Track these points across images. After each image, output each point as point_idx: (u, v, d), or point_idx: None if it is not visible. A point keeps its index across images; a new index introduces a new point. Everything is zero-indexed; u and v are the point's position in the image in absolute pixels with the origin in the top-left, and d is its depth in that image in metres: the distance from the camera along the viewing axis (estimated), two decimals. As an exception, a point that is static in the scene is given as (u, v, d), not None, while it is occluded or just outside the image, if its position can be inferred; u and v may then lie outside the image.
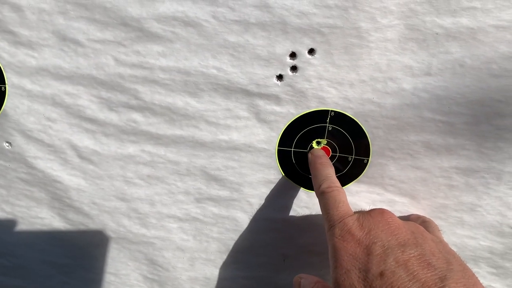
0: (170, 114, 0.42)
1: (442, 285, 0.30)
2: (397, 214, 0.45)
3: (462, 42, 0.39)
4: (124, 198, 0.46)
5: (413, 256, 0.32)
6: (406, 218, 0.45)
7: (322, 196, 0.39)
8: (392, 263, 0.32)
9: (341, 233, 0.35)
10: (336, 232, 0.36)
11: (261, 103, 0.42)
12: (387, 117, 0.41)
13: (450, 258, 0.33)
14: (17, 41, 0.41)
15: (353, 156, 0.43)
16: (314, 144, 0.43)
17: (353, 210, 0.41)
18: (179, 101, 0.42)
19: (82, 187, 0.46)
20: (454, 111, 0.41)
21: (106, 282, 0.51)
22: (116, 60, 0.40)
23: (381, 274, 0.31)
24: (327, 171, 0.41)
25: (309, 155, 0.43)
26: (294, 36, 0.39)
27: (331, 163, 0.42)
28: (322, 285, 0.39)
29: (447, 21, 0.39)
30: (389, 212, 0.36)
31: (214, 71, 0.40)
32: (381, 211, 0.36)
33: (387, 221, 0.35)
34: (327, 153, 0.43)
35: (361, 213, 0.37)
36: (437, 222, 0.45)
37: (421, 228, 0.36)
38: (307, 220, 0.47)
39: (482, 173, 0.43)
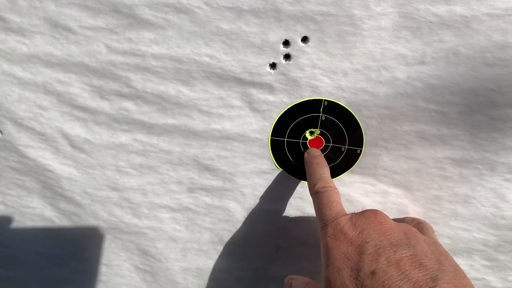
0: (163, 102, 0.42)
1: (433, 285, 0.30)
2: (391, 206, 0.45)
3: (456, 31, 0.39)
4: (116, 187, 0.46)
5: (405, 256, 0.32)
6: (400, 220, 0.45)
7: (316, 196, 0.39)
8: (384, 263, 0.32)
9: (333, 232, 0.35)
10: (329, 231, 0.36)
11: (254, 92, 0.41)
12: (381, 107, 0.41)
13: (442, 259, 0.33)
14: (8, 28, 0.41)
15: (346, 146, 0.43)
16: (307, 134, 0.43)
17: (346, 200, 0.41)
18: (172, 89, 0.41)
19: (73, 176, 0.46)
20: (448, 101, 0.41)
21: (98, 273, 0.50)
22: (108, 47, 0.40)
23: (373, 273, 0.31)
24: (322, 171, 0.41)
25: (305, 154, 0.43)
26: (287, 24, 0.39)
27: (326, 164, 0.42)
28: (313, 286, 0.39)
29: (441, 9, 0.38)
30: (382, 213, 0.36)
31: (207, 59, 0.40)
32: (374, 212, 0.36)
33: (380, 221, 0.35)
34: (320, 143, 0.43)
35: (354, 214, 0.37)
36: (431, 214, 0.45)
37: (414, 229, 0.36)
38: (300, 211, 0.46)
39: (476, 164, 0.43)
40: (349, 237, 0.34)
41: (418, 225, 0.42)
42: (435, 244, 0.36)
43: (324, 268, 0.35)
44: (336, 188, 0.39)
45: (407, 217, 0.45)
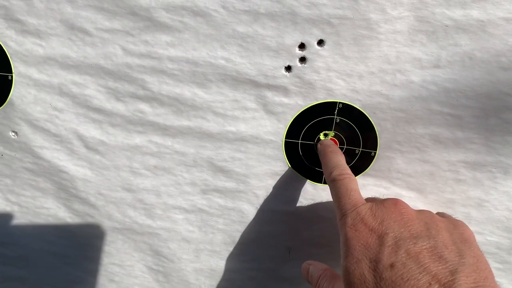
0: (178, 104, 0.42)
1: (452, 278, 0.30)
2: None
3: (471, 35, 0.39)
4: (130, 188, 0.46)
5: (425, 249, 0.32)
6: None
7: (334, 184, 0.38)
8: (403, 255, 0.32)
9: (353, 222, 0.35)
10: (348, 221, 0.35)
11: (269, 94, 0.42)
12: (395, 110, 0.41)
13: (464, 249, 0.33)
14: (25, 30, 0.41)
15: (360, 149, 0.43)
16: (321, 136, 0.43)
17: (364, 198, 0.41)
18: (187, 91, 0.42)
19: (88, 178, 0.46)
20: (462, 104, 0.41)
21: (110, 273, 0.50)
22: (124, 49, 0.40)
23: (392, 266, 0.31)
24: (337, 158, 0.40)
25: (318, 145, 0.43)
26: (303, 27, 0.39)
27: (341, 151, 0.42)
28: (330, 273, 0.39)
29: (457, 13, 0.39)
30: (403, 202, 0.36)
31: (223, 62, 0.40)
32: (394, 202, 0.36)
33: (400, 211, 0.35)
34: (335, 146, 0.43)
35: (374, 202, 0.36)
36: (443, 216, 0.45)
37: (436, 217, 0.36)
38: (313, 212, 0.46)
39: (490, 167, 0.43)
40: (369, 227, 0.34)
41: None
42: (458, 231, 0.35)
43: (343, 258, 0.35)
44: (353, 175, 0.39)
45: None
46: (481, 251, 0.34)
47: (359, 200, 0.37)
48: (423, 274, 0.30)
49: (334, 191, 0.38)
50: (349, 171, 0.39)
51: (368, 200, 0.38)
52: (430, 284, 0.30)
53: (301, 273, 0.42)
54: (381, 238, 0.33)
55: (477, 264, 0.32)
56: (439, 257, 0.31)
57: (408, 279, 0.30)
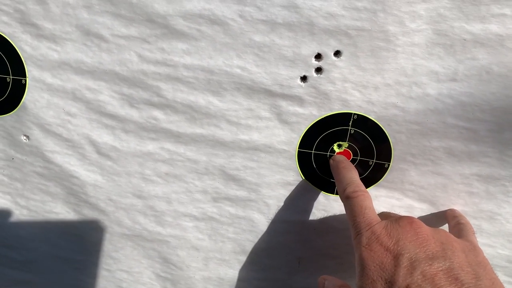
0: (192, 112, 0.42)
1: None
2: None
3: (489, 49, 0.39)
4: (141, 195, 0.46)
5: (441, 270, 0.32)
6: (441, 215, 0.44)
7: (348, 201, 0.38)
8: (419, 277, 0.31)
9: (368, 242, 0.35)
10: (363, 241, 0.35)
11: (283, 104, 0.41)
12: (410, 122, 0.41)
13: (480, 271, 0.32)
14: (40, 34, 0.41)
15: (374, 160, 0.43)
16: (335, 146, 0.43)
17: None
18: (201, 99, 0.41)
19: (99, 183, 0.46)
20: (478, 118, 0.41)
21: (118, 280, 0.50)
22: (140, 56, 0.40)
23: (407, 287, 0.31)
24: (350, 174, 0.40)
25: (331, 161, 0.43)
26: (320, 38, 0.39)
27: (354, 167, 0.42)
28: None
29: (476, 27, 0.38)
30: (418, 221, 0.36)
31: (238, 71, 0.40)
32: (410, 221, 0.35)
33: (416, 231, 0.34)
34: (348, 156, 0.43)
35: (389, 221, 0.36)
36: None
37: (451, 237, 0.36)
38: (324, 223, 0.46)
39: (503, 181, 0.43)
40: (385, 247, 0.34)
41: (458, 225, 0.41)
42: (474, 252, 0.35)
43: (358, 278, 0.34)
44: (367, 192, 0.39)
45: (448, 210, 0.44)
46: (495, 274, 0.34)
47: (373, 219, 0.36)
48: None
49: (349, 209, 0.38)
50: (363, 187, 0.39)
51: (382, 216, 0.38)
52: None
53: (317, 287, 0.42)
54: (396, 258, 0.33)
55: (493, 286, 0.32)
56: (455, 279, 0.31)
57: None
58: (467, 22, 0.38)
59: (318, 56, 0.40)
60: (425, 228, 0.35)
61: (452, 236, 0.36)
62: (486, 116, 0.41)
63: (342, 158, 0.42)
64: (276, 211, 0.46)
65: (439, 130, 0.41)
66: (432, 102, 0.41)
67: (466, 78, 0.40)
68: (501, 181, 0.43)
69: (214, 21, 0.38)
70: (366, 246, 0.35)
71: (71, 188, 0.46)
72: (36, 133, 0.44)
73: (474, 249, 0.35)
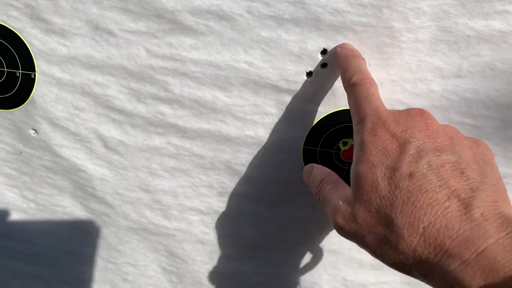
0: (198, 107, 0.42)
1: (472, 195, 0.29)
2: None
3: (493, 45, 0.39)
4: (147, 189, 0.46)
5: (448, 163, 0.30)
6: None
7: (353, 88, 0.36)
8: (424, 166, 0.30)
9: (373, 127, 0.32)
10: (367, 125, 0.33)
11: (290, 99, 0.42)
12: (415, 118, 0.41)
13: (486, 169, 0.31)
14: (50, 29, 0.41)
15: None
16: (340, 144, 0.43)
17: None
18: (208, 94, 0.42)
19: (106, 177, 0.46)
20: (482, 115, 0.41)
21: (124, 273, 0.51)
22: (148, 51, 0.41)
23: (411, 175, 0.30)
24: (359, 62, 0.38)
25: (338, 48, 0.39)
26: (327, 33, 0.39)
27: (363, 57, 0.39)
28: (335, 177, 0.37)
29: (479, 24, 0.39)
30: (429, 113, 0.33)
31: (245, 66, 0.41)
32: (421, 112, 0.33)
33: (426, 122, 0.32)
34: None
35: (397, 110, 0.34)
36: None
37: (461, 134, 0.34)
38: (329, 219, 0.47)
39: (508, 179, 0.43)
40: (391, 133, 0.32)
41: None
42: (482, 151, 0.33)
43: (355, 163, 0.33)
44: (374, 81, 0.36)
45: None
46: (500, 175, 0.32)
47: (380, 106, 0.34)
48: (443, 187, 0.29)
49: (353, 96, 0.35)
50: (371, 77, 0.36)
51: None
52: (449, 198, 0.29)
53: (303, 175, 0.41)
54: (402, 145, 0.31)
55: (497, 185, 0.31)
56: (461, 173, 0.30)
57: (426, 191, 0.29)
58: (471, 19, 0.39)
59: (324, 52, 0.40)
60: (435, 121, 0.33)
61: (461, 133, 0.34)
62: (490, 113, 0.41)
63: (352, 46, 0.39)
64: (281, 206, 0.46)
65: (443, 126, 0.42)
66: (437, 98, 0.41)
67: (470, 75, 0.40)
68: (506, 179, 0.43)
69: (222, 16, 0.39)
70: (370, 131, 0.32)
71: (79, 182, 0.47)
72: (44, 127, 0.45)
73: (483, 148, 0.34)
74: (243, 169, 0.45)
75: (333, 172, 0.38)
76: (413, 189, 0.29)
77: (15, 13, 0.41)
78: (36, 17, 0.41)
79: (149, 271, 0.50)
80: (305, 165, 0.44)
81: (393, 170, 0.30)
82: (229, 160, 0.45)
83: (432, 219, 0.28)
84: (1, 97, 0.44)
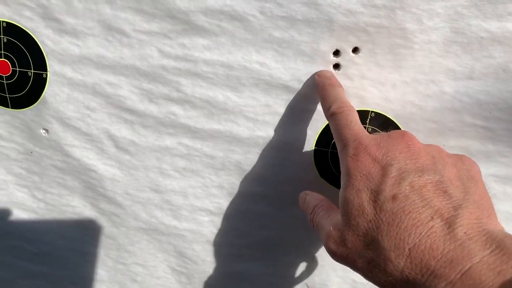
0: (210, 108, 0.42)
1: (455, 213, 0.29)
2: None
3: (506, 47, 0.39)
4: (158, 189, 0.46)
5: (430, 183, 0.31)
6: None
7: (333, 117, 0.37)
8: (406, 187, 0.30)
9: (355, 152, 0.33)
10: (350, 151, 0.34)
11: (301, 100, 0.42)
12: (428, 120, 0.41)
13: (469, 186, 0.31)
14: (62, 29, 0.41)
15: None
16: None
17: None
18: (220, 95, 0.42)
19: (117, 177, 0.46)
20: (495, 117, 0.41)
21: (133, 273, 0.51)
22: (161, 52, 0.41)
23: (394, 198, 0.30)
24: (336, 91, 0.38)
25: (316, 76, 0.40)
26: (339, 34, 0.39)
27: (340, 84, 0.40)
28: (327, 203, 0.38)
29: (493, 26, 0.39)
30: (410, 134, 0.34)
31: (257, 66, 0.41)
32: (401, 133, 0.34)
33: (407, 143, 0.33)
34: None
35: (379, 134, 0.35)
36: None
37: (444, 152, 0.34)
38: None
39: (519, 181, 0.43)
40: (373, 156, 0.32)
41: None
42: (467, 167, 0.33)
43: (342, 189, 0.33)
44: (353, 108, 0.37)
45: None
46: (486, 190, 0.33)
47: (360, 131, 0.35)
48: (426, 207, 0.29)
49: (334, 125, 0.36)
50: (349, 104, 0.37)
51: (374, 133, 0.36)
52: (432, 218, 0.29)
53: (298, 202, 0.41)
54: (384, 169, 0.32)
55: (482, 201, 0.31)
56: (443, 192, 0.30)
57: (409, 212, 0.29)
58: (484, 20, 0.38)
59: (337, 53, 0.40)
60: (417, 142, 0.34)
61: (445, 151, 0.34)
62: (503, 115, 0.41)
63: (329, 74, 0.40)
64: (291, 207, 0.46)
65: (456, 129, 0.42)
66: (449, 100, 0.41)
67: (483, 76, 0.40)
68: (517, 181, 0.43)
69: (234, 17, 0.39)
70: (353, 157, 0.33)
71: (89, 182, 0.47)
72: (55, 127, 0.45)
73: (467, 163, 0.34)
74: (253, 170, 0.45)
75: (325, 198, 0.39)
76: (397, 211, 0.30)
77: (27, 13, 0.41)
78: (48, 17, 0.41)
79: (158, 272, 0.50)
80: (316, 166, 0.44)
81: (377, 193, 0.31)
82: (239, 160, 0.45)
83: (417, 240, 0.29)
84: (13, 96, 0.44)
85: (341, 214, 0.33)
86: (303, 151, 0.44)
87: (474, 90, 0.40)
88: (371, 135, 0.34)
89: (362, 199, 0.31)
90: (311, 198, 0.40)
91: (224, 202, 0.46)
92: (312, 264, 0.49)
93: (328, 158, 0.44)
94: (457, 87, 0.40)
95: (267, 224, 0.47)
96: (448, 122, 0.41)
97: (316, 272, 0.49)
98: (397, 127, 0.42)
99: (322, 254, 0.49)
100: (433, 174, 0.31)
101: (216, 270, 0.49)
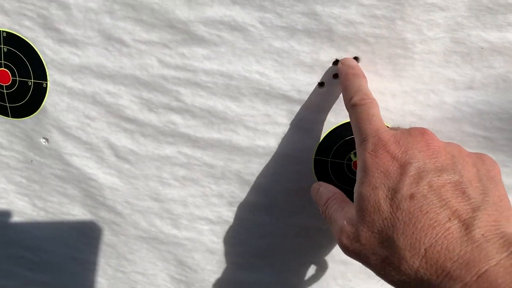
0: (210, 117, 0.42)
1: (473, 215, 0.28)
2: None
3: (506, 57, 0.39)
4: (157, 198, 0.46)
5: (449, 183, 0.30)
6: None
7: (354, 109, 0.36)
8: (425, 187, 0.30)
9: (374, 148, 0.33)
10: (369, 147, 0.33)
11: (301, 110, 0.42)
12: (428, 130, 0.41)
13: (489, 188, 0.31)
14: (62, 39, 0.41)
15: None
16: (352, 155, 0.43)
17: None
18: (220, 104, 0.42)
19: (116, 186, 0.46)
20: (495, 127, 0.41)
21: (133, 281, 0.51)
22: (160, 61, 0.41)
23: (411, 196, 0.30)
24: (359, 82, 0.37)
25: (339, 64, 0.39)
26: (339, 44, 0.39)
27: (364, 75, 0.39)
28: (341, 196, 0.37)
29: (493, 36, 0.39)
30: (430, 132, 0.33)
31: (257, 76, 0.40)
32: (422, 131, 0.33)
33: (427, 141, 0.32)
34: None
35: (399, 130, 0.34)
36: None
37: (464, 151, 0.33)
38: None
39: (520, 190, 0.43)
40: (392, 154, 0.32)
41: None
42: (487, 167, 0.33)
43: (358, 184, 0.33)
44: (375, 101, 0.36)
45: None
46: (505, 191, 0.32)
47: (381, 126, 0.34)
48: (443, 208, 0.29)
49: (354, 117, 0.36)
50: (371, 96, 0.36)
51: (392, 128, 0.35)
52: (450, 219, 0.29)
53: (311, 192, 0.41)
54: (403, 167, 0.31)
55: (501, 203, 0.30)
56: (462, 192, 0.30)
57: (427, 212, 0.29)
58: (484, 31, 0.38)
59: (336, 62, 0.40)
60: (436, 140, 0.33)
61: (465, 150, 0.34)
62: (503, 125, 0.41)
63: (353, 63, 0.39)
64: (291, 216, 0.46)
65: (456, 138, 0.41)
66: (450, 110, 0.41)
67: (483, 86, 0.40)
68: (517, 189, 0.43)
69: (234, 27, 0.39)
70: (372, 152, 0.33)
71: (89, 191, 0.47)
72: (55, 136, 0.45)
73: (488, 163, 0.33)
74: (253, 179, 0.45)
75: (339, 191, 0.38)
76: (414, 210, 0.29)
77: (27, 23, 0.41)
78: (48, 27, 0.41)
79: (158, 280, 0.50)
80: (316, 175, 0.44)
81: (395, 191, 0.31)
82: (239, 170, 0.45)
83: (433, 240, 0.28)
84: (13, 105, 0.44)
85: (356, 210, 0.32)
86: (304, 160, 0.44)
87: (475, 100, 0.40)
88: (391, 131, 0.34)
89: (379, 196, 0.31)
90: (325, 189, 0.39)
91: (224, 211, 0.46)
92: (312, 273, 0.49)
93: (328, 167, 0.44)
94: (457, 97, 0.40)
95: (266, 233, 0.47)
96: (448, 132, 0.41)
97: (316, 280, 0.49)
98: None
99: (322, 263, 0.48)
100: (452, 174, 0.31)
101: (216, 278, 0.49)
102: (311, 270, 0.49)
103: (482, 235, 0.28)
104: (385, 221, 0.30)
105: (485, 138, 0.41)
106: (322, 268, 0.49)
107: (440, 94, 0.40)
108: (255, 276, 0.49)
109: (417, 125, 0.40)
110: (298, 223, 0.47)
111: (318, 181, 0.44)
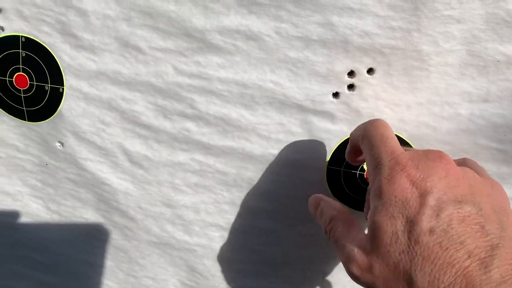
0: (223, 125, 0.43)
1: (492, 253, 0.27)
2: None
3: (523, 71, 0.39)
4: (170, 204, 0.46)
5: (469, 216, 0.29)
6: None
7: (365, 134, 0.34)
8: (445, 220, 0.28)
9: (391, 173, 0.30)
10: (385, 171, 0.31)
11: (314, 119, 0.42)
12: (442, 142, 0.41)
13: (503, 221, 0.30)
14: (79, 45, 0.42)
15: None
16: (364, 165, 0.43)
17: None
18: (234, 112, 0.42)
19: (130, 191, 0.46)
20: (509, 139, 0.41)
21: (143, 286, 0.51)
22: (176, 69, 0.41)
23: (431, 231, 0.28)
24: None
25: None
26: (354, 55, 0.39)
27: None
28: (347, 217, 0.35)
29: (509, 49, 0.38)
30: (447, 156, 0.31)
31: (271, 85, 0.41)
32: (440, 155, 0.31)
33: (446, 167, 0.31)
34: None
35: (415, 152, 0.32)
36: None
37: (478, 178, 0.32)
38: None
39: (534, 205, 0.43)
40: (411, 180, 0.30)
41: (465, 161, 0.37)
42: (498, 196, 0.32)
43: (373, 212, 0.31)
44: (387, 123, 0.35)
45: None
46: None
47: (397, 148, 0.32)
48: (463, 244, 0.28)
49: (366, 143, 0.34)
50: (385, 122, 0.35)
51: (406, 149, 0.33)
52: (469, 256, 0.27)
53: (309, 205, 0.39)
54: (423, 196, 0.29)
55: None
56: (481, 227, 0.29)
57: (447, 248, 0.28)
58: (501, 44, 0.38)
59: (351, 73, 0.40)
60: (454, 165, 0.31)
61: (477, 176, 0.32)
62: (518, 138, 0.41)
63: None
64: (303, 224, 0.46)
65: (470, 151, 0.41)
66: (464, 122, 0.41)
67: (499, 99, 0.40)
68: (531, 204, 0.43)
69: (250, 36, 0.39)
70: (388, 178, 0.30)
71: (102, 195, 0.47)
72: (70, 140, 0.45)
73: (498, 192, 0.32)
74: (266, 187, 0.45)
75: (344, 209, 0.37)
76: (434, 245, 0.28)
77: (46, 28, 0.42)
78: (66, 33, 0.41)
79: (169, 286, 0.50)
80: (328, 185, 0.44)
81: (413, 223, 0.29)
82: (252, 177, 0.45)
83: (452, 279, 0.27)
84: (30, 109, 0.45)
85: (369, 238, 0.31)
86: (316, 170, 0.44)
87: (489, 113, 0.40)
88: (407, 153, 0.32)
89: (397, 227, 0.29)
90: (327, 207, 0.37)
91: (235, 218, 0.47)
92: (322, 282, 0.49)
93: (341, 177, 0.44)
94: (472, 109, 0.40)
95: (277, 241, 0.47)
96: (462, 144, 0.41)
97: (326, 290, 0.49)
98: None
99: (332, 272, 0.48)
100: (472, 205, 0.29)
101: (226, 285, 0.49)
102: (321, 279, 0.49)
103: (500, 275, 0.27)
104: (402, 254, 0.29)
105: (499, 150, 0.41)
106: (331, 276, 0.48)
107: (455, 106, 0.40)
108: (264, 284, 0.49)
109: (431, 137, 0.40)
110: (310, 231, 0.47)
111: (331, 191, 0.44)
